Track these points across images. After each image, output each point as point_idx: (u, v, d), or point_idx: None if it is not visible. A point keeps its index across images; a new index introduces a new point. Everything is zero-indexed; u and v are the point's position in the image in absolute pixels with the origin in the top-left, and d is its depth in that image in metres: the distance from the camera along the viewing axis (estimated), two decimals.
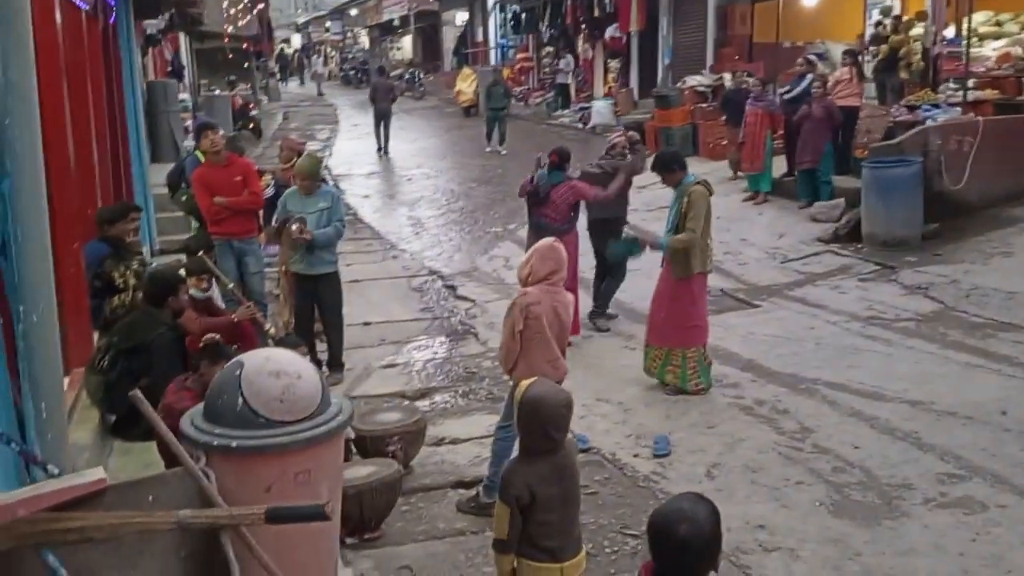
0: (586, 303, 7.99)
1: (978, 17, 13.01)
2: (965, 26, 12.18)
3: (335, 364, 7.06)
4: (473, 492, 5.10)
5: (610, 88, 21.49)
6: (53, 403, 3.44)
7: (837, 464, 5.45)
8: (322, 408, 3.23)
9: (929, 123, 10.71)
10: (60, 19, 5.85)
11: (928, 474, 5.26)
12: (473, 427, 6.10)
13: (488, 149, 18.89)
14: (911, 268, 9.17)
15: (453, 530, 4.86)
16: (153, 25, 13.06)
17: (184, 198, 8.51)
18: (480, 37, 33.04)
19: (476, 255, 11.15)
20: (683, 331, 6.52)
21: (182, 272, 5.97)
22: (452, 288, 9.71)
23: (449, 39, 36.29)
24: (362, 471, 4.72)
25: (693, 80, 16.76)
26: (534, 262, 4.68)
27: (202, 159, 8.15)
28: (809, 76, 12.04)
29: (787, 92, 12.54)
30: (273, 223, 7.17)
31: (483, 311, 8.79)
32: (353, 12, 46.96)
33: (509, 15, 29.65)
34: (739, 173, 13.01)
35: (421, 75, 34.54)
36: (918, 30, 13.46)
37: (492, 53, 31.59)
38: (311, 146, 16.09)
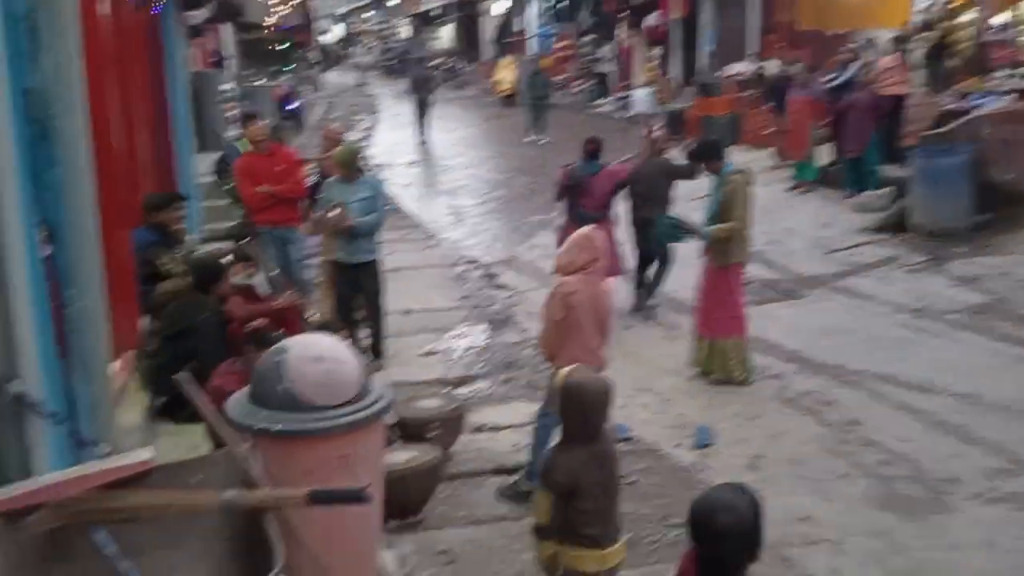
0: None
1: None
2: (1015, 13, 11.86)
3: (376, 351, 7.10)
4: (513, 479, 5.10)
5: (650, 76, 21.29)
6: (101, 385, 3.51)
7: (883, 457, 5.36)
8: (363, 393, 3.26)
9: (979, 112, 10.46)
10: (106, 9, 5.93)
11: (977, 468, 5.15)
12: (513, 415, 6.09)
13: (528, 139, 18.85)
14: (960, 259, 8.98)
15: (493, 516, 4.87)
16: (197, 16, 13.27)
17: (228, 187, 8.62)
18: (519, 26, 32.94)
19: (515, 244, 11.13)
20: (723, 321, 6.48)
21: (227, 259, 6.04)
22: (492, 277, 9.72)
23: (488, 29, 36.25)
24: (403, 456, 4.75)
25: (737, 67, 16.54)
26: (572, 251, 4.67)
27: (244, 148, 8.23)
28: (856, 63, 11.81)
29: (833, 80, 12.32)
30: (315, 213, 7.22)
31: (523, 299, 8.77)
32: (393, 2, 47.11)
33: (551, 3, 29.50)
34: (784, 161, 12.81)
35: (460, 65, 34.55)
36: (967, 17, 13.14)
37: (531, 42, 31.50)
38: (352, 136, 16.19)
